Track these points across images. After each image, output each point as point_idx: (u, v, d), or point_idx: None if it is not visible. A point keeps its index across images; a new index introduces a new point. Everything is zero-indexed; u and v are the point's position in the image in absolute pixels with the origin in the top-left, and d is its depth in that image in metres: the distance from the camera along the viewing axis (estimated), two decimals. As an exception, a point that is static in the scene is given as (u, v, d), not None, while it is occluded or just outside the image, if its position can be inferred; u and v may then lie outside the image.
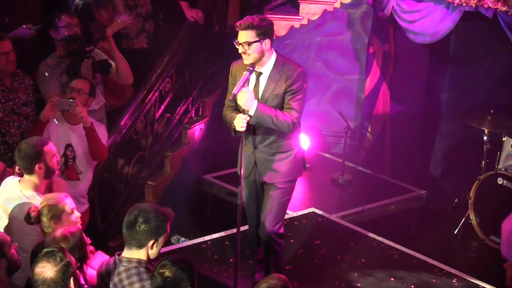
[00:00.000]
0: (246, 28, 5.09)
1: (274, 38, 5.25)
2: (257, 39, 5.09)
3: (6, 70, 5.67)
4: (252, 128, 5.28)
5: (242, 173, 5.33)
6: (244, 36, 5.10)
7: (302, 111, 5.26)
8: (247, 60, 5.15)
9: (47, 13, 6.35)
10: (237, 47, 5.16)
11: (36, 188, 4.73)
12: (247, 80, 5.12)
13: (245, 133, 5.29)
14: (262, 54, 5.15)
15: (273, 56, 5.23)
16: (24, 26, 6.20)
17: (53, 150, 4.81)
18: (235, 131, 5.21)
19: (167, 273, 3.68)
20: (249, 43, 5.09)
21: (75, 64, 5.87)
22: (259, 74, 5.23)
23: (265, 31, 5.11)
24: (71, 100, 5.38)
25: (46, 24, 6.16)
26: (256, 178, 5.43)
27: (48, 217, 4.35)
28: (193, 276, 3.73)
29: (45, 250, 3.72)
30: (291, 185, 5.46)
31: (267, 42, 5.14)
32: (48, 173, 4.77)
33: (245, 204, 5.56)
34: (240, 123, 5.11)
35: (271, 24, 5.18)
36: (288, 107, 5.18)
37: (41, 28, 6.25)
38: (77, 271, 3.79)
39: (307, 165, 5.73)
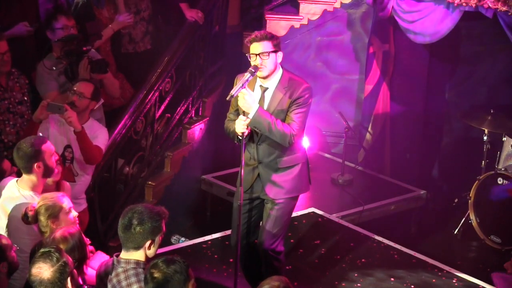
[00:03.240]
0: (263, 39, 5.06)
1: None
2: (274, 49, 5.08)
3: (1, 70, 5.69)
4: (256, 142, 5.23)
5: (242, 172, 5.23)
6: (262, 47, 5.06)
7: (304, 125, 5.18)
8: (263, 72, 5.10)
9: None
10: (252, 60, 5.10)
11: (34, 188, 4.72)
12: (247, 81, 5.09)
13: (249, 147, 5.25)
14: (275, 67, 5.13)
15: (280, 71, 5.18)
16: (21, 24, 6.20)
17: (51, 149, 4.80)
18: (239, 139, 5.16)
19: (159, 275, 3.66)
20: (268, 53, 5.06)
21: (73, 65, 5.87)
22: (264, 89, 5.19)
23: (278, 43, 5.13)
24: (60, 104, 5.37)
25: (43, 24, 6.16)
26: (257, 193, 5.34)
27: (46, 216, 4.34)
28: (186, 276, 3.69)
29: (42, 250, 3.72)
30: (293, 202, 5.38)
31: (280, 55, 5.14)
32: (47, 172, 4.76)
33: (234, 213, 5.45)
34: (240, 125, 5.08)
35: (279, 39, 5.21)
36: (289, 120, 5.12)
37: (39, 27, 6.25)
38: (76, 271, 3.79)
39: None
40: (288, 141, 5.09)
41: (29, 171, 4.72)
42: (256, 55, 5.07)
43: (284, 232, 5.42)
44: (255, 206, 5.40)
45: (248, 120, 5.06)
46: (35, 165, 4.69)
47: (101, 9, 6.73)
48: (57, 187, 4.98)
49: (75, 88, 5.55)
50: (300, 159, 5.31)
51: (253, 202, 5.39)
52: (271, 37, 5.09)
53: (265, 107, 5.17)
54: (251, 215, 5.42)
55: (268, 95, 5.18)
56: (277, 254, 5.38)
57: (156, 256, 3.92)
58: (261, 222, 5.40)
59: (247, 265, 5.58)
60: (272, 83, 5.17)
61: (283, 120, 5.13)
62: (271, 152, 5.23)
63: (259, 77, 5.17)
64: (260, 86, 5.20)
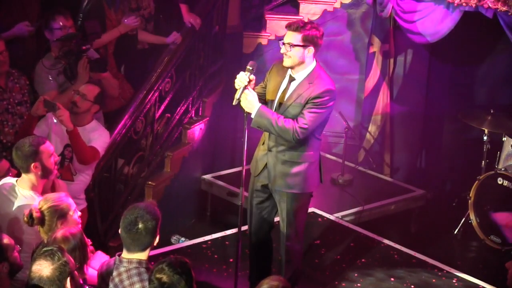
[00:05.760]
0: (295, 29, 5.06)
1: (319, 47, 5.16)
2: (301, 43, 5.05)
3: None
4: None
5: (243, 172, 5.21)
6: (290, 37, 5.07)
7: (314, 126, 5.08)
8: (286, 62, 5.12)
9: (44, 12, 6.34)
10: (280, 46, 5.12)
11: (34, 188, 4.69)
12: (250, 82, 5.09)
13: (264, 132, 5.29)
14: (302, 61, 5.10)
15: (312, 66, 5.16)
16: (21, 24, 6.19)
17: (50, 149, 4.77)
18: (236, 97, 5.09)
19: (164, 278, 3.66)
20: (292, 45, 5.05)
21: (72, 64, 5.87)
22: (291, 79, 5.19)
23: (311, 39, 5.07)
24: (54, 102, 5.38)
25: (42, 24, 6.16)
26: (264, 180, 5.36)
27: (55, 218, 4.30)
28: (191, 279, 3.70)
29: (44, 249, 3.71)
30: (302, 200, 5.33)
31: (310, 50, 5.09)
32: (45, 173, 4.72)
33: (247, 203, 5.52)
34: (242, 77, 5.01)
35: (318, 33, 5.11)
36: (300, 116, 5.07)
37: (40, 26, 6.24)
38: (77, 272, 3.78)
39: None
40: (292, 136, 5.04)
41: (27, 170, 4.69)
42: (284, 43, 5.09)
43: (297, 231, 5.36)
44: (265, 198, 5.43)
45: (252, 75, 5.03)
46: (32, 165, 4.66)
47: (113, 10, 6.71)
48: (52, 186, 4.96)
49: (79, 89, 5.55)
50: (309, 158, 5.25)
51: (262, 191, 5.41)
52: (301, 30, 5.04)
53: (286, 96, 5.17)
54: (261, 207, 5.45)
55: (293, 86, 5.19)
56: (289, 254, 5.39)
57: (157, 256, 3.92)
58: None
59: (255, 259, 5.65)
60: (300, 75, 5.16)
61: (298, 114, 5.09)
62: (281, 143, 5.22)
63: (285, 66, 5.17)
64: (290, 75, 5.20)
